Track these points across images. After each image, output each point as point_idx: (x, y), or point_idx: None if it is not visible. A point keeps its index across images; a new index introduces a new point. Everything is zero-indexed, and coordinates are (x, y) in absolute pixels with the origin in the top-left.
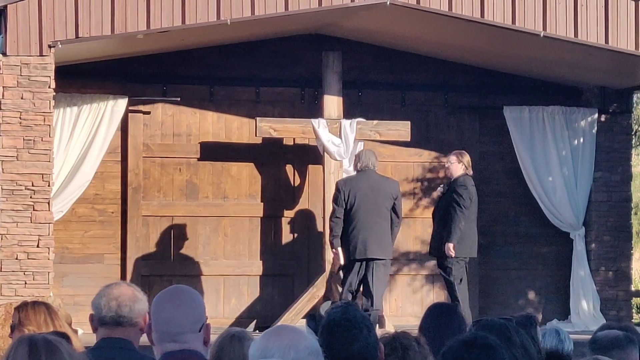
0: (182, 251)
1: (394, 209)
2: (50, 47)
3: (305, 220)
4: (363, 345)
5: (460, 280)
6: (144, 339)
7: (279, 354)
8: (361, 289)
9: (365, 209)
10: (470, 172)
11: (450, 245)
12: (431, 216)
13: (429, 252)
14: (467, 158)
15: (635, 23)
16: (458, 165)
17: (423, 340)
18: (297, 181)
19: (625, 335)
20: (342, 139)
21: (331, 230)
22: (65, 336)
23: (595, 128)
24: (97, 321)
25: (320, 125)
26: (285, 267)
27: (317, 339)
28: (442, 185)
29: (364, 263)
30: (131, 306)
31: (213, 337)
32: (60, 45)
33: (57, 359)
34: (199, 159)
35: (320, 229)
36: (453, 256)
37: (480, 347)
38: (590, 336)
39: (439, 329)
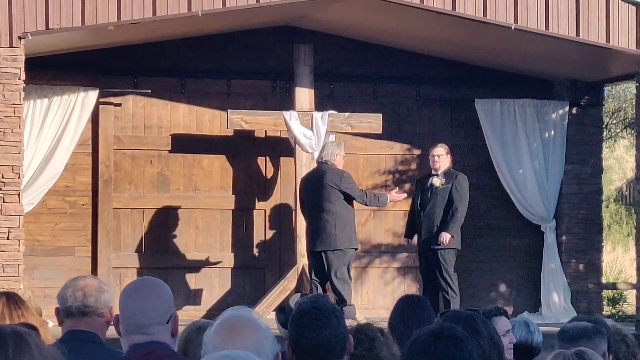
0: (153, 243)
1: (347, 195)
2: (20, 38)
3: (277, 213)
4: (332, 334)
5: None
6: (111, 332)
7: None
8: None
9: (309, 204)
10: None
11: (449, 236)
12: (419, 207)
13: (420, 244)
14: None
15: (606, 16)
16: (447, 158)
17: (387, 330)
18: (269, 173)
19: (593, 326)
20: (313, 132)
21: None
22: (34, 328)
23: (567, 121)
24: (63, 312)
25: (291, 117)
26: (256, 260)
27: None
28: (437, 176)
29: (321, 255)
30: (97, 296)
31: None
32: (30, 37)
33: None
34: (170, 151)
35: (292, 221)
36: (449, 246)
37: (446, 338)
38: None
39: (408, 321)
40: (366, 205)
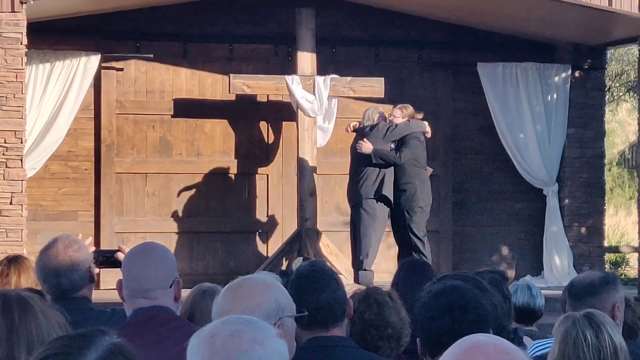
0: (156, 208)
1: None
2: (22, 3)
3: (279, 177)
4: (331, 297)
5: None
6: (115, 296)
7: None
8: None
9: None
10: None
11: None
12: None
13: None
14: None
15: None
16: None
17: (395, 294)
18: (271, 138)
19: (602, 278)
20: (315, 96)
21: None
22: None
23: (569, 84)
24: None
25: (293, 81)
26: (259, 224)
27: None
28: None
29: None
30: (70, 277)
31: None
32: (32, 2)
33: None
34: (172, 116)
35: (294, 186)
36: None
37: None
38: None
39: (412, 284)
40: None
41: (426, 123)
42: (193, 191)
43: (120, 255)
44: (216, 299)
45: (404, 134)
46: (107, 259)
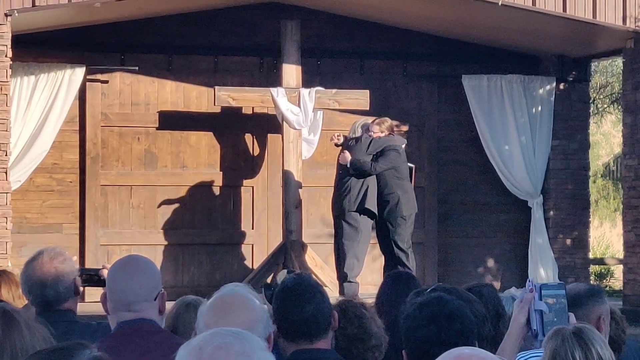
0: (141, 220)
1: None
2: (6, 15)
3: (264, 189)
4: (316, 308)
5: None
6: (100, 309)
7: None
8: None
9: None
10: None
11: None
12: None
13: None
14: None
15: None
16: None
17: (368, 304)
18: (257, 150)
19: (587, 290)
20: (301, 108)
21: None
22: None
23: (554, 96)
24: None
25: (279, 94)
26: (244, 236)
27: (270, 306)
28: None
29: None
30: (56, 289)
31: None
32: (17, 14)
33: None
34: (157, 128)
35: (280, 198)
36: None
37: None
38: None
39: (396, 297)
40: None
41: (405, 141)
42: (178, 203)
43: (105, 273)
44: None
45: (383, 146)
46: (90, 277)
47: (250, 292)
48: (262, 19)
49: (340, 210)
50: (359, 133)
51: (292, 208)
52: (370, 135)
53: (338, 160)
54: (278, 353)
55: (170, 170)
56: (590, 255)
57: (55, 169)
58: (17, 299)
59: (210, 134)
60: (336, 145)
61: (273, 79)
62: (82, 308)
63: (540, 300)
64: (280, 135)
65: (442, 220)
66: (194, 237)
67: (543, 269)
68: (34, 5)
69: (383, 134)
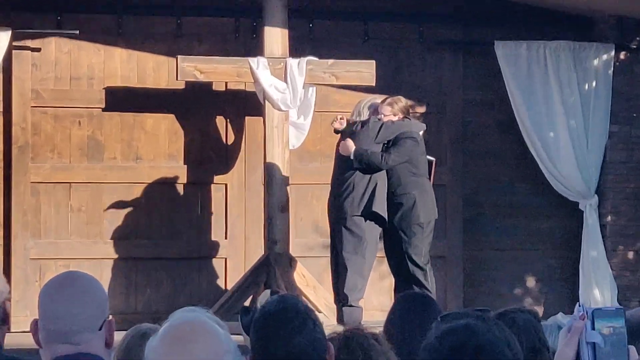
0: (82, 228)
1: None
2: None
3: (241, 188)
4: (306, 341)
5: None
6: (30, 341)
7: None
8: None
9: None
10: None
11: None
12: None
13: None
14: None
15: None
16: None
17: (381, 335)
18: (231, 138)
19: None
20: (287, 83)
21: None
22: None
23: (612, 69)
24: None
25: (259, 65)
26: (215, 248)
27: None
28: None
29: None
30: None
31: (120, 337)
32: None
33: None
34: (103, 110)
35: (260, 198)
36: None
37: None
38: None
39: (410, 325)
40: None
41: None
42: (131, 206)
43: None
44: (150, 349)
45: (397, 132)
46: None
47: (210, 318)
48: None
49: (339, 215)
50: (365, 116)
51: (276, 212)
52: (379, 119)
53: (338, 150)
54: None
55: (120, 164)
56: None
57: None
58: None
59: (172, 116)
60: (336, 131)
61: (252, 47)
62: (9, 340)
63: (593, 329)
64: (261, 119)
65: (468, 228)
66: (150, 249)
67: (598, 289)
68: None
69: (396, 117)
